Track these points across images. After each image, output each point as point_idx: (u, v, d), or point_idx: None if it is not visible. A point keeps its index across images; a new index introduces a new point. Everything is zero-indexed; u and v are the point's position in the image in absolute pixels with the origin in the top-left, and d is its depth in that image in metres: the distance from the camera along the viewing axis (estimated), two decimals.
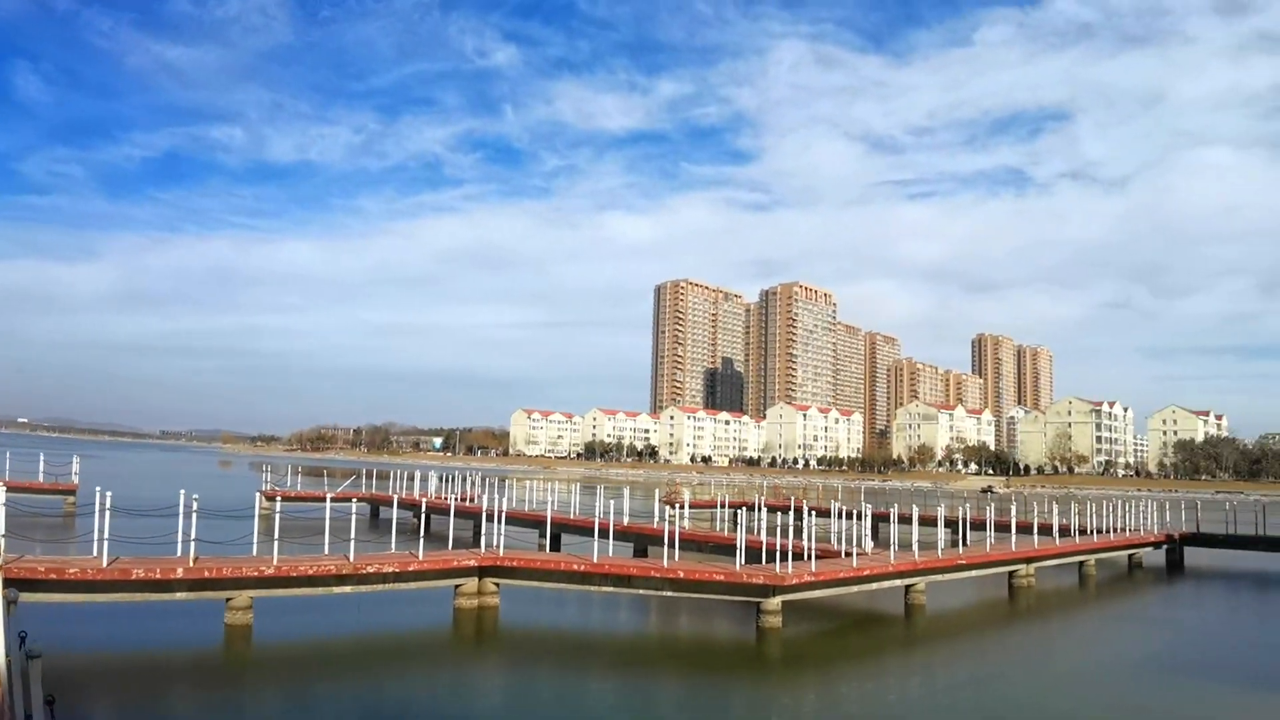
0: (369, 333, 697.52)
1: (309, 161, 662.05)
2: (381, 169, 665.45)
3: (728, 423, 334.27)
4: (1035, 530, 38.70)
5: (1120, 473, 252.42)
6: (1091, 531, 43.55)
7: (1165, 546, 46.61)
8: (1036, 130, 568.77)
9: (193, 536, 22.58)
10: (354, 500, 27.29)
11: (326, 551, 25.35)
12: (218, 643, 21.62)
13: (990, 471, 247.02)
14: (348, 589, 24.14)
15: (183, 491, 23.36)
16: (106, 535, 21.49)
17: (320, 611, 24.95)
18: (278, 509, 24.22)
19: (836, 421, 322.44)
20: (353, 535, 24.74)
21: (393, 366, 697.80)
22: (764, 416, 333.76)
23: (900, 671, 22.66)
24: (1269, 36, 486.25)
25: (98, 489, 22.30)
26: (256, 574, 22.65)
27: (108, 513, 21.67)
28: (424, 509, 30.11)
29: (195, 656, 20.79)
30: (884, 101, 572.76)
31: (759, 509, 35.36)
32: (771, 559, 26.14)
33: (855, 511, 31.80)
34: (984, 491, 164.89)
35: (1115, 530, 45.46)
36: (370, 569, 24.32)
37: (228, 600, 22.36)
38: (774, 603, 24.53)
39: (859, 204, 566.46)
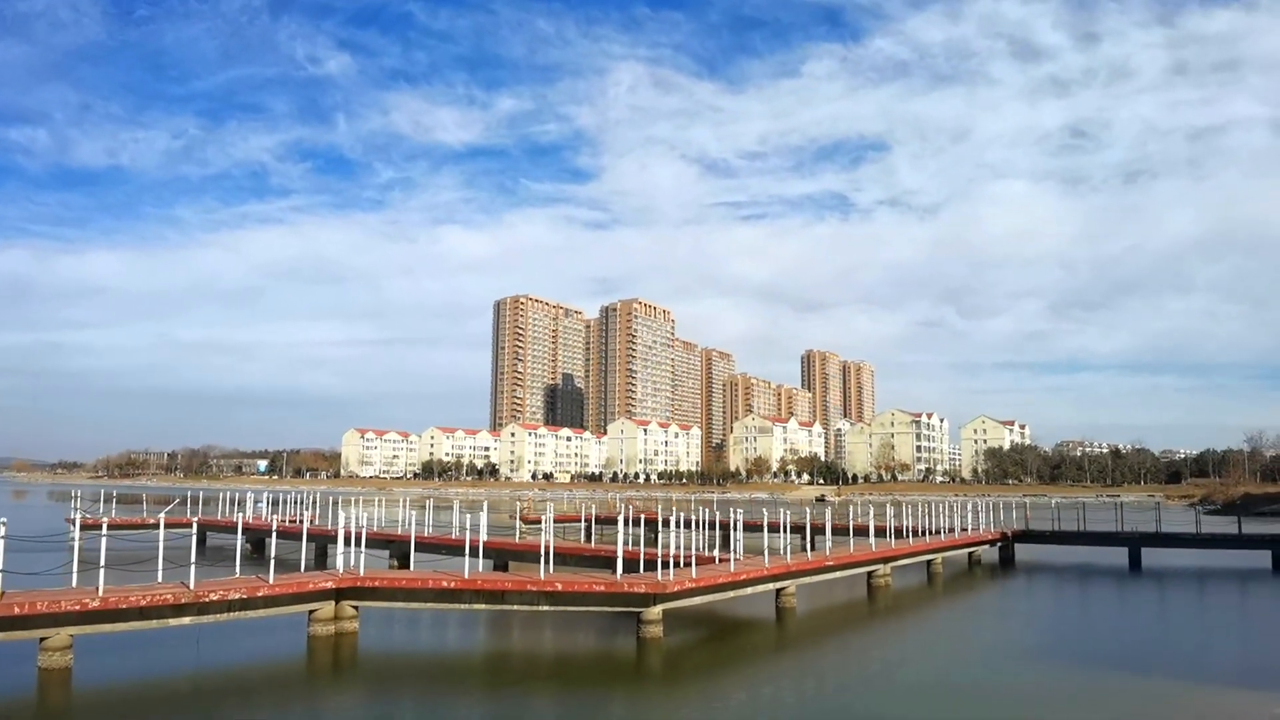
0: (184, 350, 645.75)
1: (120, 167, 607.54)
2: (202, 177, 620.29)
3: (569, 439, 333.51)
4: (891, 533, 40.08)
5: (938, 479, 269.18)
6: (938, 532, 45.64)
7: (999, 544, 49.56)
8: (858, 159, 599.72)
9: None
10: (194, 524, 24.73)
11: (160, 580, 22.70)
12: (30, 690, 18.77)
13: (822, 481, 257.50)
14: (186, 620, 21.66)
15: None
16: None
17: (154, 648, 22.34)
18: (103, 535, 21.37)
19: (676, 436, 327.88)
20: (192, 560, 22.30)
21: (211, 386, 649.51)
22: (605, 432, 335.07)
23: (778, 676, 22.43)
24: (1058, 81, 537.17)
25: None
26: (78, 608, 19.92)
27: None
28: (273, 530, 27.59)
29: (2, 708, 17.94)
30: (718, 126, 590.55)
31: (630, 522, 34.75)
32: (649, 568, 25.50)
33: (730, 521, 31.77)
34: (818, 500, 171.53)
35: (957, 530, 47.82)
36: (213, 596, 21.91)
37: (42, 640, 19.56)
38: (655, 612, 23.85)
39: (694, 224, 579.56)
